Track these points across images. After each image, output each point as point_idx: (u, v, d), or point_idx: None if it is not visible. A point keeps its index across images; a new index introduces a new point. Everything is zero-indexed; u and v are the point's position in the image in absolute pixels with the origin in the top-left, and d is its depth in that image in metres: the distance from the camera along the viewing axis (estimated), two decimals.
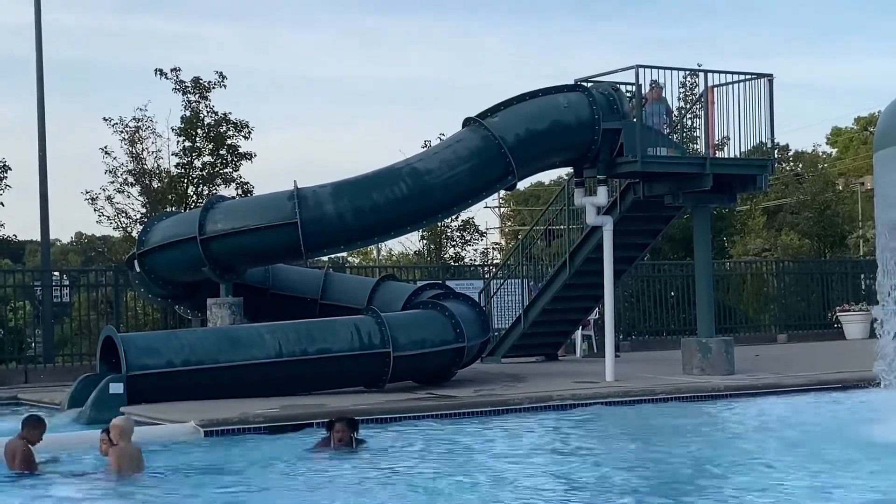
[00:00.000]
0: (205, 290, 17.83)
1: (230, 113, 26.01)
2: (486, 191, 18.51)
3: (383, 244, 35.00)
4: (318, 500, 9.49)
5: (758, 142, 19.63)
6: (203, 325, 18.31)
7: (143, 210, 25.43)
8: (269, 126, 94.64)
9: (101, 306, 24.62)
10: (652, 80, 18.82)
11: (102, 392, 14.99)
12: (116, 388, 15.01)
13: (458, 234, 31.21)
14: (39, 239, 25.18)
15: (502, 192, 36.40)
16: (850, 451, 10.94)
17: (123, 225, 25.98)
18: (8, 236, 29.96)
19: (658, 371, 18.63)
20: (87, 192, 25.94)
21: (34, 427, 10.73)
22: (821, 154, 56.15)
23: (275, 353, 15.95)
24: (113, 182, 25.76)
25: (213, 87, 25.81)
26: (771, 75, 18.86)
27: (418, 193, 17.29)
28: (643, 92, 18.52)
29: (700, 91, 20.44)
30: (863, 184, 49.88)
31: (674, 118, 19.80)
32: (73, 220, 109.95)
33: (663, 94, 19.02)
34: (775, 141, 20.62)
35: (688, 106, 25.86)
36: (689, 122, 25.69)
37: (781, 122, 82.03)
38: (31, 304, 25.11)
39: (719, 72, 19.05)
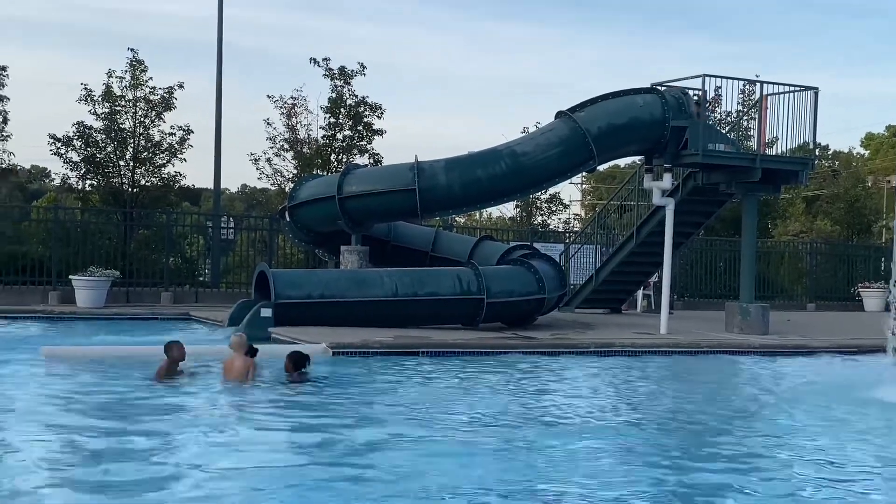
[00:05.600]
0: (339, 239, 18.04)
1: (367, 97, 26.11)
2: (570, 172, 18.29)
3: (484, 210, 34.82)
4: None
5: (802, 142, 19.10)
6: (336, 266, 18.55)
7: (295, 171, 25.69)
8: (398, 108, 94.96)
9: (258, 245, 25.06)
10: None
11: (255, 315, 15.32)
12: (266, 312, 15.34)
13: (545, 204, 30.96)
14: (213, 188, 25.70)
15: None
16: (853, 407, 10.57)
17: (278, 182, 26.30)
18: (189, 185, 30.60)
19: (704, 328, 18.35)
20: (251, 154, 26.42)
21: (178, 349, 10.92)
22: (855, 154, 54.33)
23: (392, 294, 16.09)
24: (272, 147, 26.12)
25: (355, 75, 25.87)
26: (817, 88, 18.25)
27: (515, 171, 17.15)
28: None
29: (756, 98, 19.91)
30: (889, 182, 48.19)
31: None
32: (239, 174, 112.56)
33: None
34: (817, 142, 20.01)
35: (745, 109, 25.21)
36: (745, 123, 25.04)
37: (823, 126, 79.68)
38: (204, 239, 25.68)
39: (774, 83, 18.49)
